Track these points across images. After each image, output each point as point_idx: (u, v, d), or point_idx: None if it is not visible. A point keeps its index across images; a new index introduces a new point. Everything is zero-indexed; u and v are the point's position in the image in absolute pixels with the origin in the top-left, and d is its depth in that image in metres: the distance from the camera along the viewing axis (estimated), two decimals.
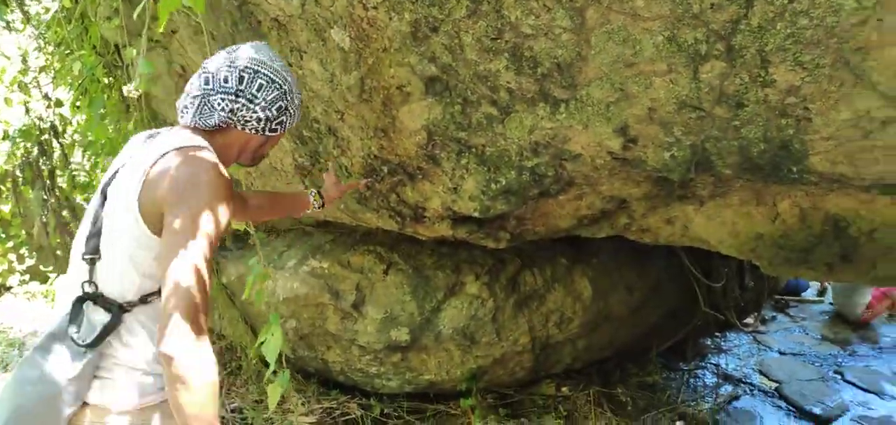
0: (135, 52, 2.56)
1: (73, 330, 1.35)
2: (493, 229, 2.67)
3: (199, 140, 1.44)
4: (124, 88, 3.29)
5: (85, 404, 1.38)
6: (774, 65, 1.49)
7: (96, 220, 1.43)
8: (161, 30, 1.79)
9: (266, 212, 2.12)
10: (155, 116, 3.41)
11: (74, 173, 5.02)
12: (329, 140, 2.43)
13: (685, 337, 4.82)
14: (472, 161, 2.13)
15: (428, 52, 1.90)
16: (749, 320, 5.70)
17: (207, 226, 1.28)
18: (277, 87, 1.49)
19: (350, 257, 3.54)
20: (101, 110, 3.52)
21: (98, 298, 1.39)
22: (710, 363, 5.20)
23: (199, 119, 1.48)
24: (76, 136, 5.11)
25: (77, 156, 5.29)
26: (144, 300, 1.41)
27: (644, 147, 1.91)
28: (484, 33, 1.75)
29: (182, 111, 1.50)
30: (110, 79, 3.55)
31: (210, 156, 1.38)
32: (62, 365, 1.33)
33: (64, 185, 5.13)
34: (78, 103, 3.72)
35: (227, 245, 3.98)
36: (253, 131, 1.51)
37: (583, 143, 2.00)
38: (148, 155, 1.39)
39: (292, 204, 2.18)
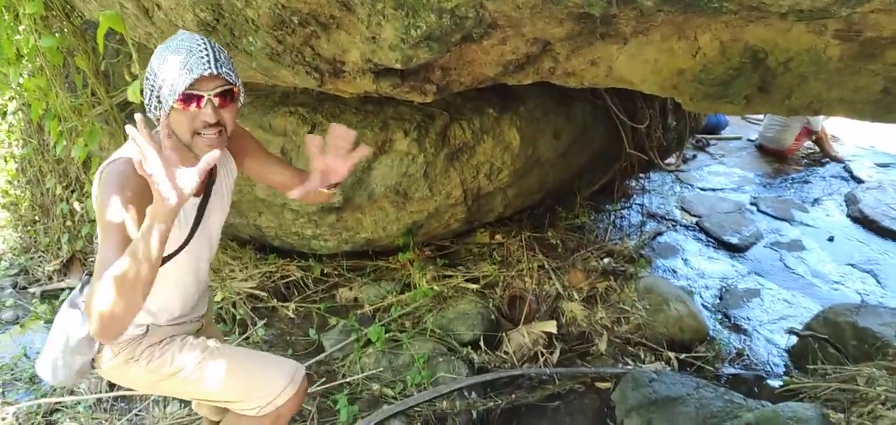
0: None
1: (83, 298, 1.76)
2: (418, 82, 2.58)
3: (124, 150, 1.61)
4: None
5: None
6: None
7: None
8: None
9: (286, 185, 2.04)
10: None
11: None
12: None
13: (611, 179, 4.99)
14: (389, 5, 2.00)
15: None
16: (671, 160, 5.94)
17: (108, 234, 1.46)
18: (146, 78, 1.59)
19: (271, 120, 3.39)
20: None
21: None
22: (635, 203, 5.45)
23: None
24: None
25: None
26: None
27: None
28: None
29: None
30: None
31: (116, 168, 1.56)
32: (76, 324, 1.72)
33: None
34: None
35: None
36: (155, 118, 1.60)
37: None
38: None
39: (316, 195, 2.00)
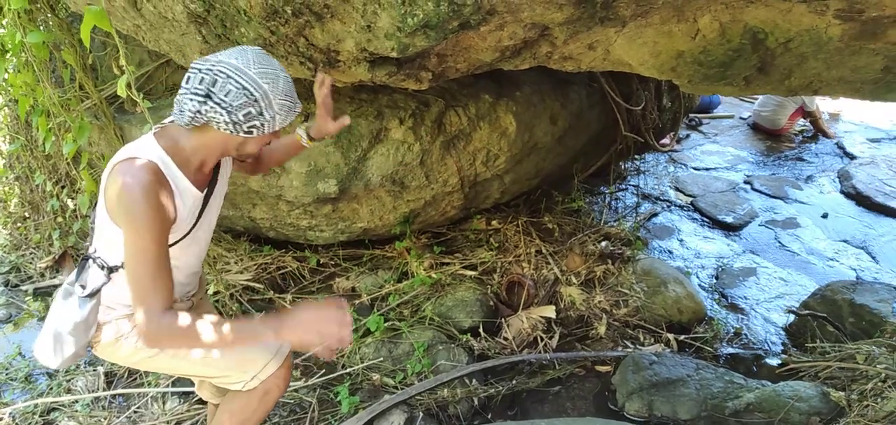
0: None
1: (79, 283, 1.76)
2: (413, 69, 2.55)
3: (150, 150, 1.63)
4: None
5: (99, 325, 1.83)
6: None
7: (100, 197, 1.71)
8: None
9: (273, 163, 2.21)
10: None
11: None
12: None
13: (607, 162, 4.98)
14: None
15: None
16: (666, 140, 5.94)
17: (143, 242, 1.55)
18: (247, 94, 1.56)
19: None
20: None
21: (97, 259, 1.75)
22: (630, 184, 5.45)
23: (177, 117, 1.63)
24: None
25: None
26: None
27: None
28: None
29: (174, 106, 1.65)
30: None
31: (140, 174, 1.57)
32: (73, 309, 1.74)
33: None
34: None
35: (127, 110, 3.68)
36: (228, 132, 1.61)
37: None
38: (116, 156, 1.64)
39: (290, 148, 2.17)
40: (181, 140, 1.66)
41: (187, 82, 1.58)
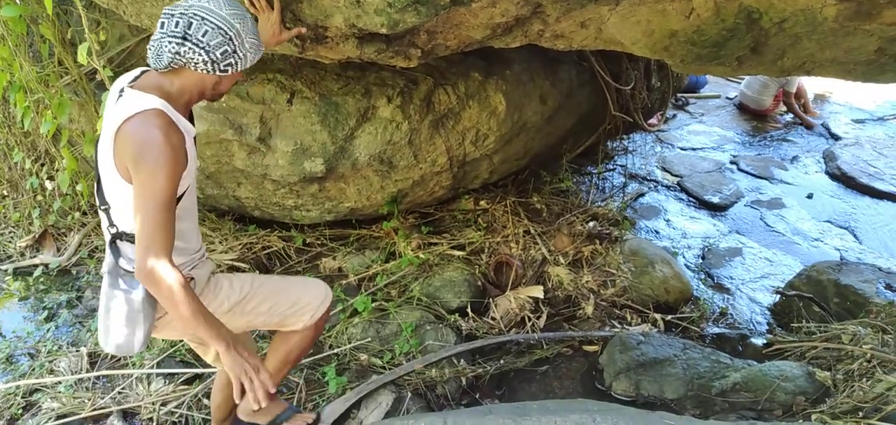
0: None
1: (123, 262, 1.75)
2: (403, 46, 2.50)
3: (150, 99, 1.63)
4: None
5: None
6: None
7: (98, 175, 1.74)
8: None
9: None
10: None
11: None
12: None
13: (595, 141, 4.97)
14: None
15: None
16: (653, 120, 5.93)
17: (159, 182, 1.56)
18: (222, 33, 1.64)
19: (249, 88, 3.27)
20: None
21: (123, 235, 1.75)
22: (617, 164, 5.45)
23: (155, 61, 1.66)
24: None
25: None
26: None
27: None
28: None
29: (148, 52, 1.68)
30: None
31: (155, 121, 1.59)
32: (130, 292, 1.72)
33: None
34: None
35: (108, 87, 3.59)
36: (205, 72, 1.68)
37: None
38: (115, 119, 1.63)
39: None
40: (165, 85, 1.69)
41: (162, 27, 1.63)
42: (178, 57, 1.64)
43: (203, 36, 1.62)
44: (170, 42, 1.62)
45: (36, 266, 3.94)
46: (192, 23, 1.61)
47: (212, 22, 1.63)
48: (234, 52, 1.68)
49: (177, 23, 1.62)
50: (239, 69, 1.73)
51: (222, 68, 1.69)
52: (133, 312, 1.73)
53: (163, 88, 1.68)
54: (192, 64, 1.65)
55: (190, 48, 1.62)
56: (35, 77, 3.13)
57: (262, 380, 1.65)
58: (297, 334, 2.15)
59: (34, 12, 3.10)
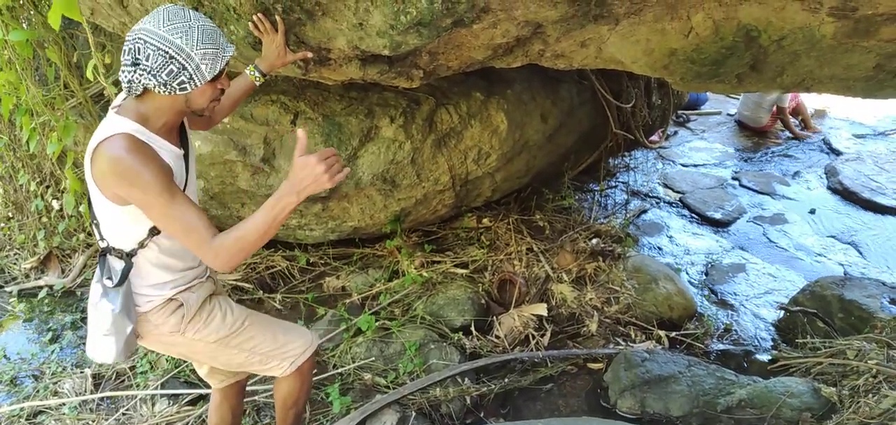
0: None
1: (105, 277, 1.77)
2: (405, 67, 2.53)
3: (123, 123, 1.62)
4: None
5: (139, 316, 1.86)
6: None
7: (87, 191, 1.74)
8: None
9: (226, 110, 2.22)
10: None
11: None
12: None
13: (597, 159, 4.99)
14: None
15: None
16: (654, 137, 5.95)
17: (151, 188, 1.57)
18: (162, 53, 1.56)
19: (253, 109, 3.30)
20: None
21: (112, 250, 1.78)
22: (620, 181, 5.46)
23: (126, 90, 1.65)
24: None
25: None
26: (142, 244, 1.76)
27: None
28: None
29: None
30: None
31: (122, 143, 1.58)
32: (107, 304, 1.76)
33: None
34: None
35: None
36: (164, 93, 1.62)
37: None
38: (92, 140, 1.63)
39: (242, 90, 2.18)
40: (140, 109, 1.66)
41: (122, 56, 1.61)
42: (136, 84, 1.60)
43: (147, 60, 1.56)
44: (125, 71, 1.60)
45: (40, 287, 3.95)
46: (138, 48, 1.57)
47: (152, 44, 1.56)
48: (183, 68, 1.59)
49: (128, 49, 1.58)
50: (198, 84, 1.63)
51: (177, 88, 1.61)
52: (108, 325, 1.76)
53: (139, 111, 1.66)
54: (152, 87, 1.60)
55: (140, 74, 1.58)
56: (41, 100, 3.16)
57: (326, 156, 1.61)
58: (283, 383, 2.13)
59: (41, 36, 3.14)
